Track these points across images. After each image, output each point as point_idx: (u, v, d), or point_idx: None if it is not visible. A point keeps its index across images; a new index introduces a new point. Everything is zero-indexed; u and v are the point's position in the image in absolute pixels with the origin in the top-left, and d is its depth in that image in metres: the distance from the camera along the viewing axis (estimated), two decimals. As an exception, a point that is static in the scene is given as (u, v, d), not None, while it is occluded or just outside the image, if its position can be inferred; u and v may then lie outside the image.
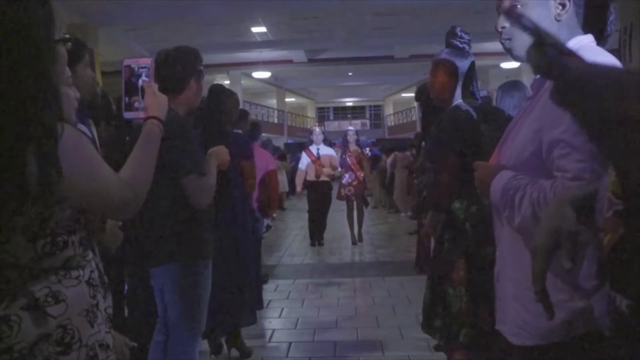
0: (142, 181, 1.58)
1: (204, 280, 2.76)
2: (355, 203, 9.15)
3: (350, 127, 10.18)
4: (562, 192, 1.33)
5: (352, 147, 9.20)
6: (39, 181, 1.31)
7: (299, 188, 9.04)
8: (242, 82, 22.70)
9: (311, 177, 8.77)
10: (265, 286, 5.82)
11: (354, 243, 9.11)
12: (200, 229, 2.72)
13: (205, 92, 4.17)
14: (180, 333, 2.75)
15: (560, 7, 1.52)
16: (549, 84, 1.44)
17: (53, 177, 1.32)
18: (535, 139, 1.45)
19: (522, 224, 1.46)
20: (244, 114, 5.10)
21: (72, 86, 1.66)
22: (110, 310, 1.56)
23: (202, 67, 2.81)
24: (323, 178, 8.77)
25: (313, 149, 8.90)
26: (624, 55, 6.76)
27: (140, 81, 1.76)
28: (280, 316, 5.30)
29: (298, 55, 19.84)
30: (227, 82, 22.73)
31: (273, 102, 30.79)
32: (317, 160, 8.75)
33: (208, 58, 17.16)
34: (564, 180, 1.35)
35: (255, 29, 15.51)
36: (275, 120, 30.35)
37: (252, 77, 23.55)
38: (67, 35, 1.56)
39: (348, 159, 9.02)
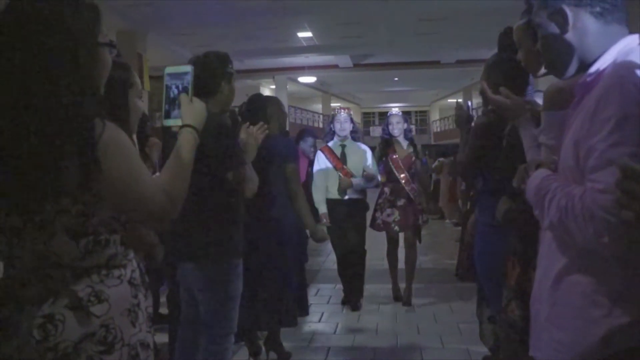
0: (178, 189, 1.55)
1: (235, 279, 2.79)
2: (402, 236, 5.60)
3: (395, 110, 5.73)
4: (591, 205, 1.27)
5: (400, 142, 5.55)
6: (77, 175, 1.33)
7: (323, 218, 5.13)
8: (287, 86, 22.85)
9: (333, 193, 5.30)
10: (305, 290, 5.81)
11: (396, 299, 5.74)
12: (232, 229, 2.77)
13: (246, 96, 4.22)
14: (212, 332, 2.79)
15: (562, 20, 1.46)
16: (594, 91, 1.38)
17: (92, 171, 1.34)
18: (575, 151, 1.38)
19: (551, 228, 1.42)
20: None
21: (141, 99, 1.70)
22: (150, 310, 1.58)
23: (232, 70, 2.88)
24: (352, 194, 5.32)
25: (335, 146, 5.44)
26: None
27: (176, 90, 1.78)
28: (320, 320, 5.29)
29: (344, 60, 19.85)
30: (272, 86, 22.96)
31: (318, 106, 30.91)
32: (340, 163, 5.32)
33: (254, 63, 17.54)
34: (593, 193, 1.28)
35: (301, 34, 15.58)
36: (321, 125, 30.46)
37: (298, 82, 23.72)
38: (113, 41, 1.59)
39: (391, 163, 5.43)
